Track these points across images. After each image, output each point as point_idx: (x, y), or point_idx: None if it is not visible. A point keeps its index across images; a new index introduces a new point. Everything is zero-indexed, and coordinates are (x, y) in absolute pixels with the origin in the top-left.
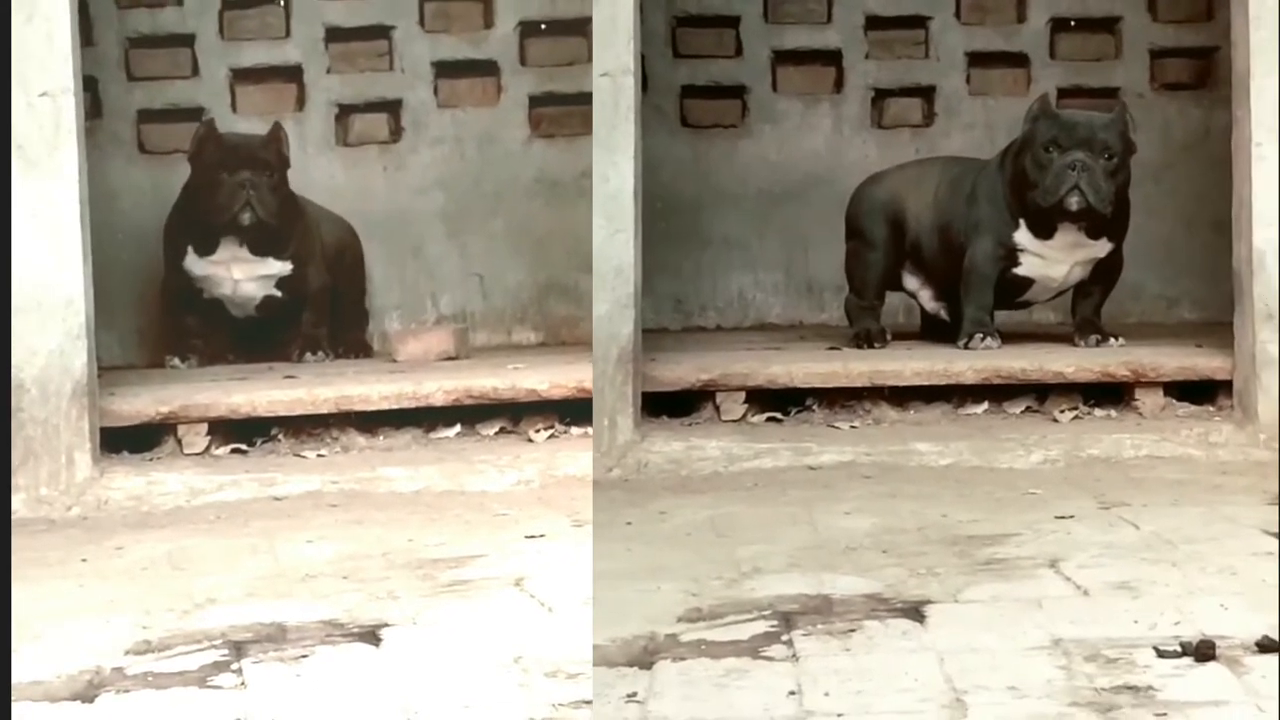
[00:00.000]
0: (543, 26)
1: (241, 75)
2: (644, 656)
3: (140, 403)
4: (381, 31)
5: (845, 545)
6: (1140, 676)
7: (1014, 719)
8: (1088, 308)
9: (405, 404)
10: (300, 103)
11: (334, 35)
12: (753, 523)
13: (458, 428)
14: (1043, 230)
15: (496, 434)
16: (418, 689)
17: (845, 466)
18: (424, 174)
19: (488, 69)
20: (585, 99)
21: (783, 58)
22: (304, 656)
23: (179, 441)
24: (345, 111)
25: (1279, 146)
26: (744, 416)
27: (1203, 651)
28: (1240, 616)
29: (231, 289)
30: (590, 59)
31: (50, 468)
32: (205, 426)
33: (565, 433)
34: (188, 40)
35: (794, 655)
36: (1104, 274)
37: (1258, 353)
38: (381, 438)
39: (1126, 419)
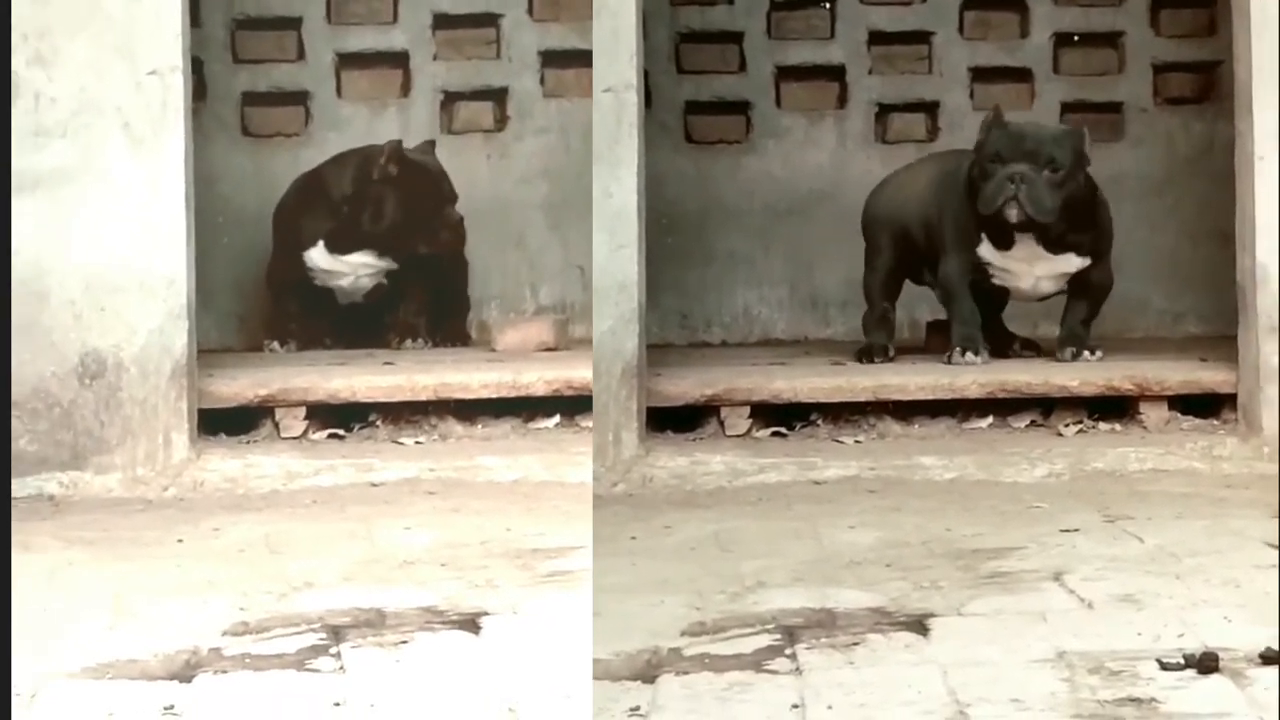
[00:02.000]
0: None
1: (347, 60)
2: (647, 670)
3: (238, 385)
4: (489, 19)
5: (849, 559)
6: (1144, 689)
7: None
8: (1072, 321)
9: (505, 393)
10: (406, 89)
11: (441, 22)
12: (757, 537)
13: (557, 418)
14: (1001, 242)
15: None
16: (517, 679)
17: (849, 481)
18: (528, 163)
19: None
20: None
21: (786, 73)
22: (403, 643)
23: (276, 425)
24: (450, 99)
25: None
26: (748, 431)
27: (1206, 664)
28: (1243, 629)
29: (351, 282)
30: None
31: (147, 448)
32: (303, 410)
33: None
34: (295, 23)
35: (797, 669)
36: (1084, 289)
37: (1262, 366)
38: (480, 426)
39: (1131, 433)
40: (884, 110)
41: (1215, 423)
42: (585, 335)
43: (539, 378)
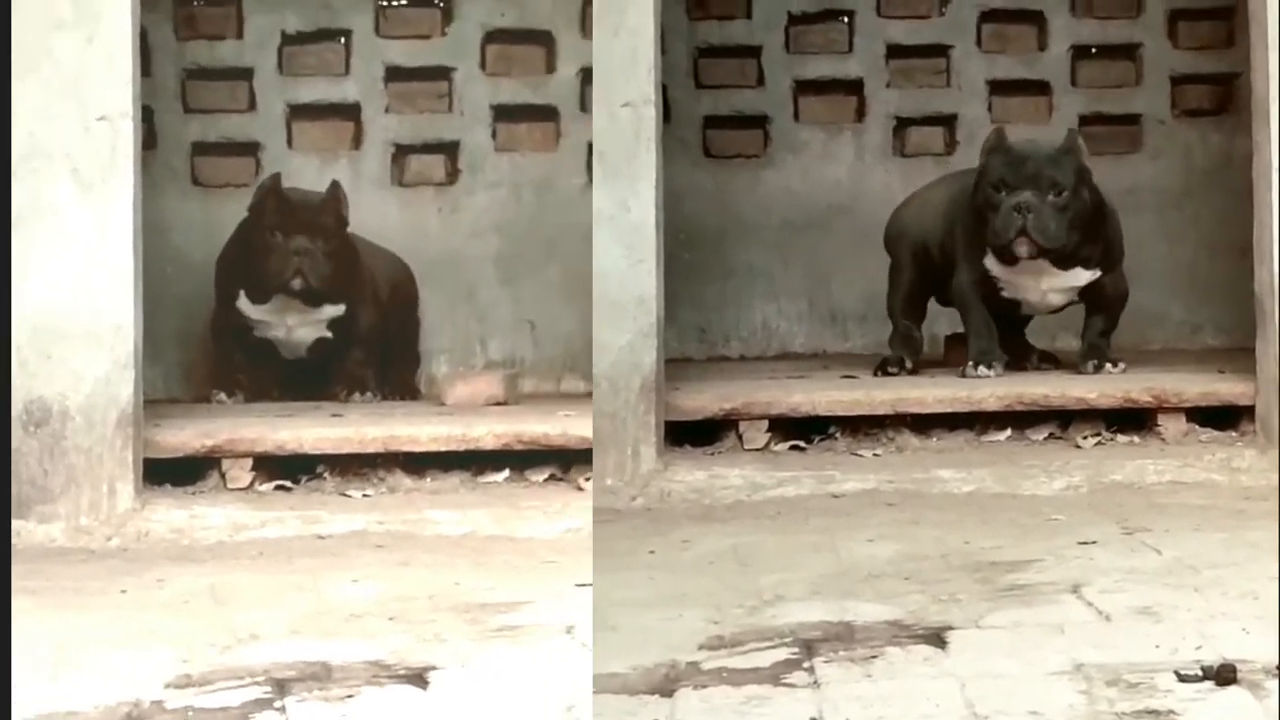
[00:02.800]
0: None
1: (299, 111)
2: (665, 684)
3: (185, 435)
4: (442, 73)
5: (867, 572)
6: (1161, 701)
7: None
8: (1092, 334)
9: (454, 446)
10: (357, 141)
11: (394, 74)
12: (775, 551)
13: (506, 472)
14: (1008, 259)
15: (545, 480)
16: None
17: (868, 494)
18: (479, 217)
19: (547, 114)
20: None
21: (804, 87)
22: (349, 697)
23: (223, 476)
24: (402, 151)
25: None
26: (767, 445)
27: (1224, 676)
28: (1262, 641)
29: (285, 334)
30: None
31: (91, 497)
32: (250, 461)
33: None
34: (246, 74)
35: (815, 682)
36: (1100, 301)
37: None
38: (429, 480)
39: (1149, 445)
40: (902, 124)
41: (1233, 435)
42: (534, 390)
43: (488, 431)
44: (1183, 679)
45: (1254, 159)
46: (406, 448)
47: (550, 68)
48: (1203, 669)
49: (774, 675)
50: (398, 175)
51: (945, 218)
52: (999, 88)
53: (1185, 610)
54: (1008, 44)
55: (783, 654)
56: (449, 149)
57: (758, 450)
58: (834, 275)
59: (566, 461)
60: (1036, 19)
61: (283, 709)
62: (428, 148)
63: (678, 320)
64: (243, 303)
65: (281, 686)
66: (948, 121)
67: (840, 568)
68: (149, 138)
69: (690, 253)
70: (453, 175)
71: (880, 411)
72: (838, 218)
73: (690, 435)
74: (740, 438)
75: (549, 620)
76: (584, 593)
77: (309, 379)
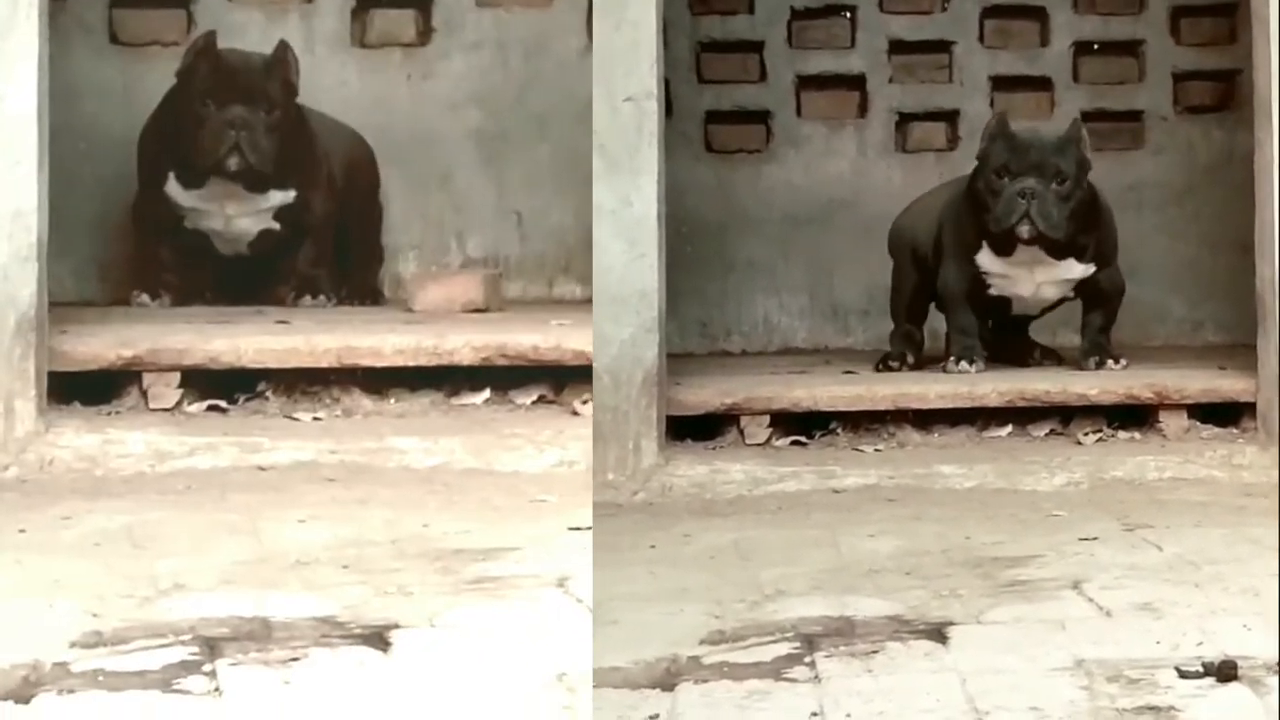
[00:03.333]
0: None
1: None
2: (666, 678)
3: (98, 344)
4: None
5: (868, 567)
6: (1162, 697)
7: None
8: (1091, 330)
9: (424, 361)
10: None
11: None
12: (776, 545)
13: (486, 393)
14: (1004, 249)
15: (534, 403)
16: (433, 705)
17: (869, 489)
18: (456, 86)
19: None
20: None
21: (807, 82)
22: (293, 660)
23: (144, 394)
24: (364, 5)
25: None
26: (768, 440)
27: (1225, 672)
28: (1263, 637)
29: (223, 224)
30: None
31: None
32: (177, 377)
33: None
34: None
35: (816, 677)
36: (1096, 297)
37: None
38: (393, 401)
39: (1150, 441)
40: (904, 119)
41: (1235, 431)
42: (521, 294)
43: (466, 343)
44: (1184, 675)
45: (1256, 155)
46: (366, 362)
47: None
48: (1204, 665)
49: (775, 670)
50: (359, 34)
51: (937, 218)
52: (1001, 83)
53: (1186, 606)
54: (1010, 40)
55: (784, 649)
56: (421, 2)
57: (759, 445)
58: (836, 270)
59: (559, 381)
60: (1039, 15)
61: (213, 673)
62: (395, 1)
63: (679, 315)
64: (172, 186)
65: (211, 647)
66: (950, 117)
67: (841, 563)
68: (665, 108)
69: (692, 247)
70: (425, 34)
71: (882, 407)
72: (839, 213)
73: (691, 430)
74: (742, 433)
75: (537, 570)
76: (579, 538)
77: (250, 279)
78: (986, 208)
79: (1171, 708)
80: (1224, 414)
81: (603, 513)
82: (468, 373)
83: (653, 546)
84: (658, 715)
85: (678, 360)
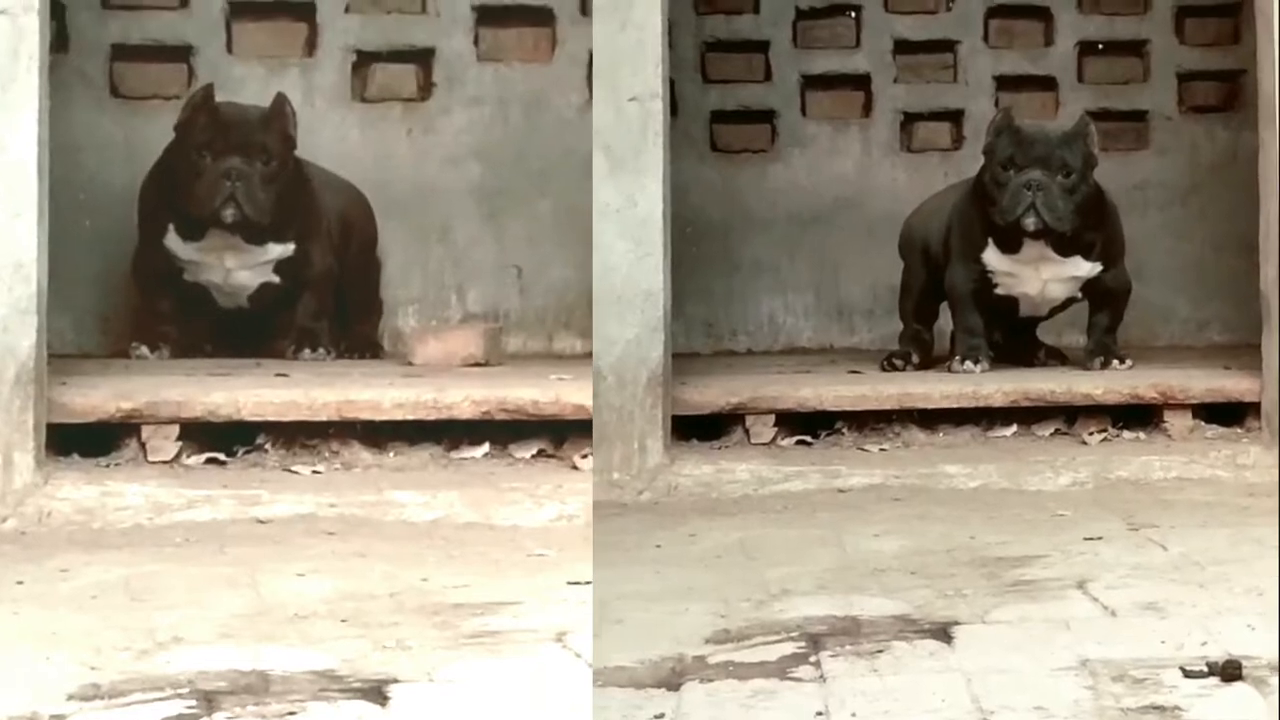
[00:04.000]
0: None
1: (240, 9)
2: (672, 678)
3: (98, 396)
4: None
5: (874, 567)
6: (1167, 697)
7: None
8: (1097, 330)
9: (423, 415)
10: (310, 46)
11: None
12: (782, 545)
13: (486, 447)
14: (1010, 246)
15: (534, 457)
16: None
17: (874, 489)
18: (457, 140)
19: (540, 17)
20: None
21: (812, 82)
22: (291, 714)
23: (143, 446)
24: (364, 60)
25: None
26: (773, 440)
27: (1229, 672)
28: (1267, 637)
29: (222, 277)
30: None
31: None
32: (176, 429)
33: None
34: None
35: (821, 676)
36: (1102, 296)
37: None
38: (392, 454)
39: (1155, 441)
40: (909, 119)
41: (1239, 431)
42: (520, 349)
43: (465, 397)
44: (1188, 675)
45: (1260, 155)
46: (365, 416)
47: None
48: (1208, 665)
49: (780, 669)
50: (359, 88)
51: (946, 218)
52: (1006, 83)
53: (1191, 606)
54: (1015, 40)
55: (789, 648)
56: (421, 57)
57: (764, 445)
58: (841, 270)
59: (559, 435)
60: (1043, 15)
61: None
62: (395, 56)
63: (684, 314)
64: (171, 239)
65: (209, 700)
66: (955, 117)
67: (846, 562)
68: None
69: (697, 247)
70: (425, 89)
71: (887, 407)
72: (844, 212)
73: (697, 429)
74: (747, 432)
75: (536, 625)
76: (578, 592)
77: (250, 332)
78: (993, 201)
79: (1176, 707)
80: (1229, 414)
81: (608, 512)
82: (467, 427)
83: (658, 546)
84: (663, 715)
85: (683, 360)
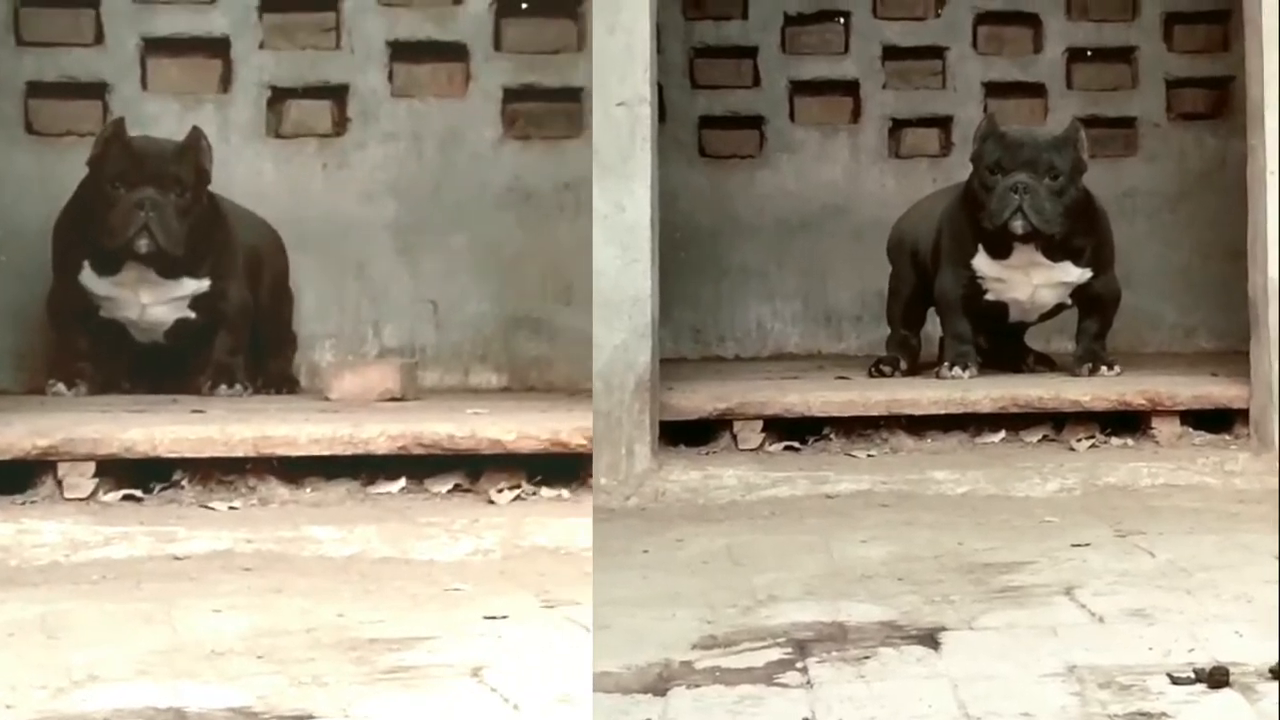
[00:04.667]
0: (523, 5)
1: (155, 46)
2: (658, 683)
3: (13, 434)
4: (329, 1)
5: (861, 573)
6: (1154, 703)
7: None
8: (1086, 337)
9: (339, 450)
10: (225, 83)
11: (270, 3)
12: (769, 551)
13: (402, 482)
14: (999, 251)
15: (450, 492)
16: None
17: (862, 495)
18: (371, 176)
19: (454, 53)
20: (571, 94)
21: (800, 88)
22: None
23: (59, 483)
24: (279, 95)
25: None
26: (761, 445)
27: (1216, 678)
28: (1254, 643)
29: (138, 313)
30: (579, 47)
31: None
32: (93, 466)
33: (534, 494)
34: (91, 1)
35: (808, 682)
36: (1092, 303)
37: (1274, 381)
38: (309, 490)
39: (1143, 448)
40: (897, 125)
41: (1227, 438)
42: (437, 383)
43: (381, 432)
44: (1175, 681)
45: (1248, 162)
46: (282, 451)
47: None
48: (1195, 671)
49: (767, 675)
50: (274, 124)
51: (936, 223)
52: (995, 89)
53: (1178, 613)
54: (1003, 46)
55: (776, 654)
56: (336, 93)
57: (752, 450)
58: (829, 276)
59: (475, 469)
60: (1032, 21)
61: None
62: (310, 91)
63: (673, 320)
64: (86, 276)
65: None
66: (943, 123)
67: (834, 568)
68: (659, 113)
69: (685, 252)
70: (340, 124)
71: (875, 413)
72: (833, 218)
73: (685, 435)
74: (735, 438)
75: (452, 660)
76: (494, 626)
77: (166, 369)
78: (981, 206)
79: (1163, 714)
80: (1217, 420)
81: (596, 517)
82: (383, 462)
83: (645, 551)
84: None
85: (671, 365)
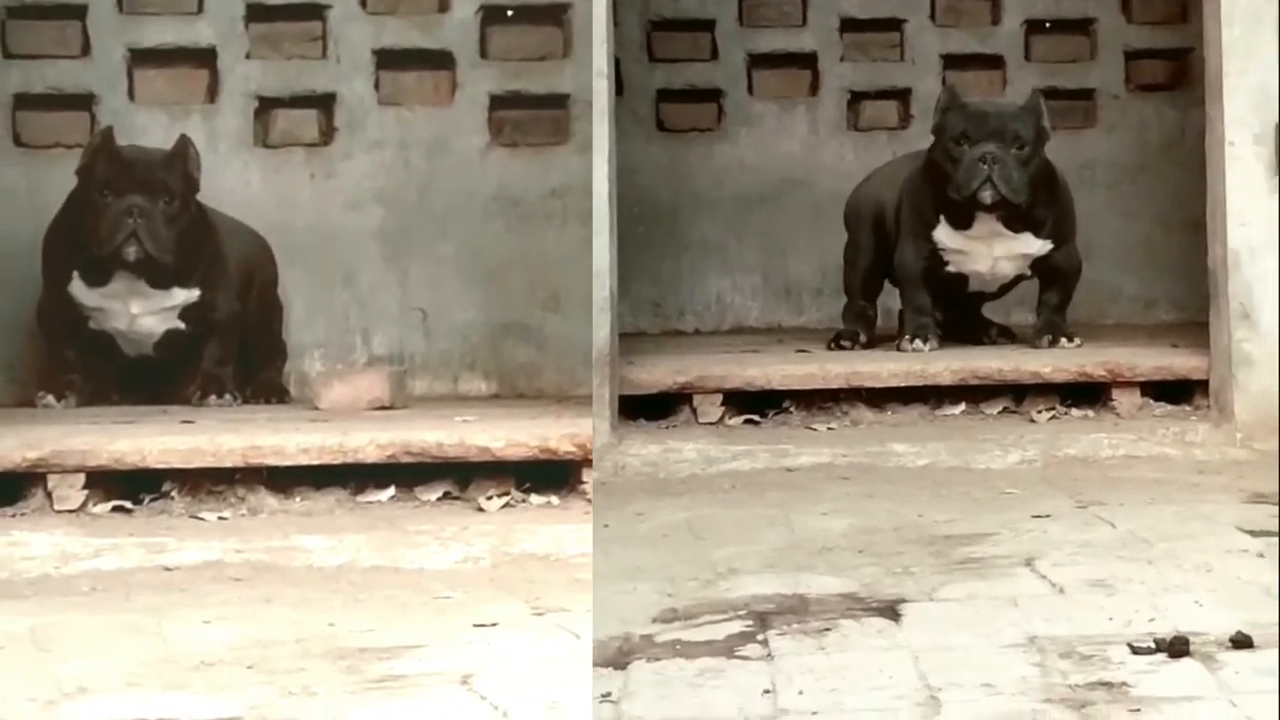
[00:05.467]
0: (509, 12)
1: (142, 57)
2: (619, 657)
3: (3, 445)
4: (314, 11)
5: (821, 545)
6: (1115, 673)
7: (988, 716)
8: (1047, 309)
9: (329, 459)
10: (212, 93)
11: (256, 13)
12: (729, 524)
13: (392, 490)
14: (961, 221)
15: (439, 500)
16: None
17: (822, 468)
18: (359, 185)
19: (440, 61)
20: (558, 101)
21: (758, 61)
22: None
23: (49, 495)
24: (266, 105)
25: (1252, 146)
26: (721, 419)
27: (1176, 648)
28: (1214, 613)
29: (127, 323)
30: (565, 53)
31: None
32: (82, 478)
33: (524, 501)
34: (78, 12)
35: (769, 655)
36: (1052, 275)
37: (1233, 352)
38: (298, 499)
39: (1104, 419)
40: (856, 97)
41: (1187, 409)
42: (426, 391)
43: (370, 441)
44: (1136, 651)
45: (1207, 134)
46: (271, 461)
47: (443, 6)
48: (1155, 641)
49: (728, 648)
50: (261, 134)
51: (896, 193)
52: (953, 61)
53: (1139, 583)
54: (962, 18)
55: (736, 627)
56: (323, 102)
57: (712, 424)
58: (788, 249)
59: (464, 477)
60: None
61: None
62: (297, 101)
63: (632, 294)
64: (76, 287)
65: None
66: (902, 95)
67: (794, 541)
68: (616, 86)
69: (644, 227)
70: (327, 134)
71: (835, 385)
72: (792, 192)
73: (644, 409)
74: (695, 412)
75: (441, 668)
76: (484, 634)
77: (156, 380)
78: (946, 178)
79: (1124, 683)
80: (1177, 392)
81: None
82: (373, 470)
83: (605, 525)
84: (610, 694)
85: (630, 340)
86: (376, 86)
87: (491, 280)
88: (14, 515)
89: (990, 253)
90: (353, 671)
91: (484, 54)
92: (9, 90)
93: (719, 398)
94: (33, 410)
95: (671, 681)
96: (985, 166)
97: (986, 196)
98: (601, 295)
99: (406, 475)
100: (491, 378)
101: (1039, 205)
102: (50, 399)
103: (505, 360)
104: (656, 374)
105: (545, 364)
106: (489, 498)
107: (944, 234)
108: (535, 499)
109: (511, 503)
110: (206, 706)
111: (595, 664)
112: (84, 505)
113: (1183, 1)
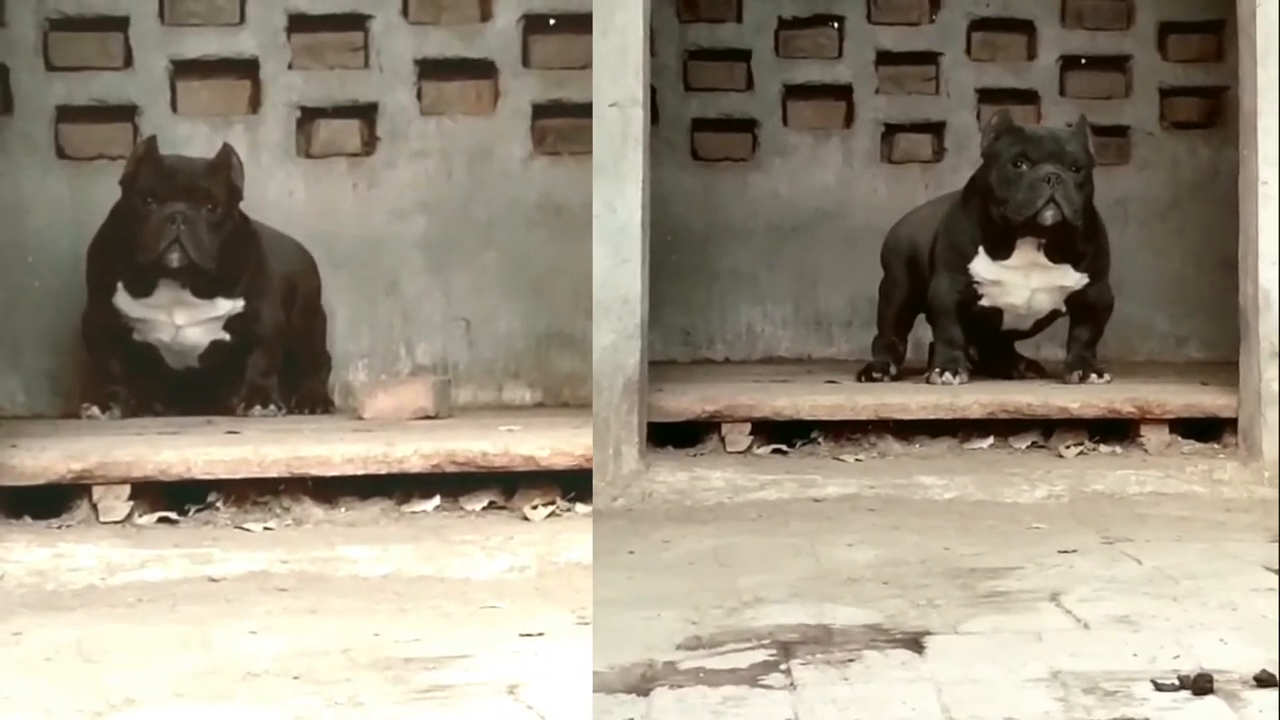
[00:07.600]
0: (551, 21)
1: (184, 68)
2: (642, 684)
3: (48, 458)
4: (356, 21)
5: (847, 576)
6: (1138, 709)
7: None
8: (1077, 344)
9: (373, 469)
10: (255, 103)
11: (298, 23)
12: (755, 553)
13: (437, 500)
14: (1001, 251)
15: (484, 509)
16: None
17: (849, 499)
18: (402, 194)
19: (482, 70)
20: None
21: (793, 92)
22: None
23: (94, 507)
24: (309, 115)
25: None
26: (749, 448)
27: (1201, 685)
28: (1239, 651)
29: (172, 335)
30: None
31: None
32: (127, 489)
33: (569, 510)
34: (120, 24)
35: (792, 684)
36: (1085, 310)
37: (1263, 390)
38: (343, 509)
39: (1132, 455)
40: (890, 130)
41: (1216, 447)
42: (470, 401)
43: (415, 451)
44: (1159, 688)
45: (1241, 172)
46: (315, 471)
47: (485, 14)
48: (1180, 678)
49: (751, 676)
50: (304, 144)
51: (933, 230)
52: (988, 96)
53: (1164, 620)
54: (997, 53)
55: (760, 655)
56: (365, 112)
57: (740, 453)
58: (820, 280)
59: (509, 486)
60: (1026, 28)
61: None
62: (340, 111)
63: (663, 322)
64: (120, 298)
65: None
66: (936, 129)
67: (820, 571)
68: (652, 115)
69: (676, 255)
70: (370, 144)
71: (863, 417)
72: (824, 223)
73: (673, 437)
74: (723, 440)
75: (488, 678)
76: (530, 644)
77: (200, 391)
78: (1000, 201)
79: None
80: (1205, 429)
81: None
82: (418, 480)
83: (631, 552)
84: (632, 719)
85: (660, 367)
86: (419, 96)
87: (535, 289)
88: (60, 527)
89: (1027, 284)
90: (399, 681)
91: (526, 63)
92: (52, 102)
93: (747, 427)
94: (78, 422)
95: (694, 709)
96: (1048, 186)
97: (1048, 216)
98: (632, 322)
99: (451, 485)
100: (535, 387)
101: (1079, 237)
102: (95, 410)
103: (549, 369)
104: (685, 402)
105: (589, 373)
106: (534, 507)
107: (981, 265)
108: (580, 508)
109: (557, 512)
110: (253, 717)
111: (619, 690)
112: (129, 516)
113: (1218, 40)
